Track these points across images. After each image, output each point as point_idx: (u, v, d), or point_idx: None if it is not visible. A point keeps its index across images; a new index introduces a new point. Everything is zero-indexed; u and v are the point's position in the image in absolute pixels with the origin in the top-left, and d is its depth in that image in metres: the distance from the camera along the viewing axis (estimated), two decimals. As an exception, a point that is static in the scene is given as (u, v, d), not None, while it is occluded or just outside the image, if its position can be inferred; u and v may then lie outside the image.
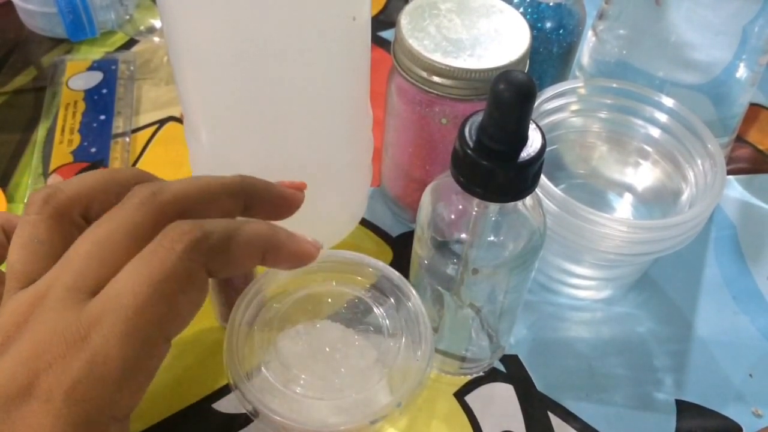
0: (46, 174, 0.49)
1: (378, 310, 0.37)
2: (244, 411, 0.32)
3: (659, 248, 0.38)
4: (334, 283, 0.38)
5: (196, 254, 0.25)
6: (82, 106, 0.54)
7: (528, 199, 0.32)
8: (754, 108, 0.57)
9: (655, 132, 0.43)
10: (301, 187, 0.32)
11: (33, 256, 0.27)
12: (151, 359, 0.25)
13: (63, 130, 0.52)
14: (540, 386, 0.41)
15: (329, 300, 0.37)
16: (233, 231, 0.27)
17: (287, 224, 0.43)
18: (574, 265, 0.43)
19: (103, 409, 0.24)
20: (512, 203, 0.32)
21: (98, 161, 0.50)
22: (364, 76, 0.39)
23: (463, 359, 0.40)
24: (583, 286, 0.44)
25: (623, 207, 0.46)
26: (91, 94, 0.54)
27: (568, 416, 0.39)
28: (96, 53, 0.58)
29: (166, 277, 0.25)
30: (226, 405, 0.39)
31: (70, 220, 0.28)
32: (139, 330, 0.24)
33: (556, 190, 0.37)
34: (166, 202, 0.27)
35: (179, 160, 0.51)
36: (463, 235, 0.33)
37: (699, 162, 0.41)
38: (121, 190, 0.28)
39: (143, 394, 0.26)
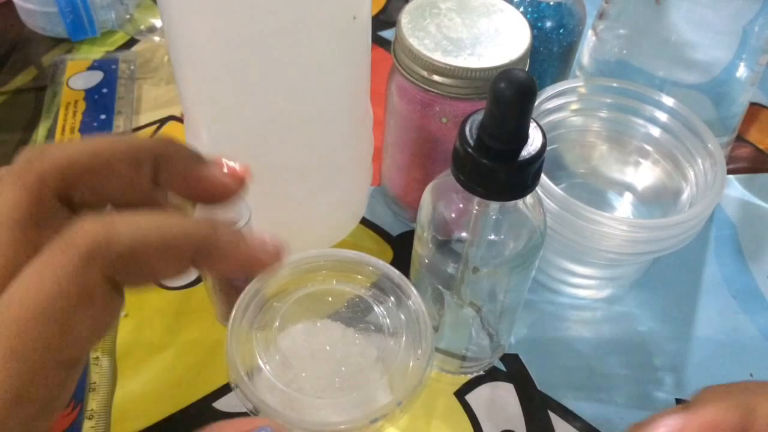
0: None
1: (378, 309, 0.37)
2: (244, 410, 0.32)
3: (659, 248, 0.38)
4: (334, 282, 0.38)
5: (95, 265, 0.20)
6: (82, 105, 0.54)
7: (528, 198, 0.32)
8: (754, 107, 0.58)
9: (656, 131, 0.44)
10: (241, 176, 0.26)
11: None
12: (44, 387, 0.21)
13: (63, 130, 0.52)
14: (540, 385, 0.41)
15: (330, 299, 0.37)
16: (148, 232, 0.22)
17: (284, 223, 0.43)
18: (574, 265, 0.43)
19: None
20: (513, 202, 0.32)
21: (98, 161, 0.50)
22: (364, 76, 0.39)
23: (463, 358, 0.40)
24: (584, 285, 0.44)
25: (623, 206, 0.46)
26: (91, 94, 0.54)
27: (568, 415, 0.39)
28: (96, 53, 0.58)
29: (59, 291, 0.20)
30: (226, 404, 0.39)
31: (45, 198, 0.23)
32: (22, 354, 0.20)
33: (557, 189, 0.37)
34: (44, 171, 0.22)
35: (179, 160, 0.51)
36: (464, 234, 0.33)
37: (699, 161, 0.41)
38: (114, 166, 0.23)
39: (50, 420, 0.22)
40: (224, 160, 0.26)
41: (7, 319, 0.20)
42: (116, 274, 0.21)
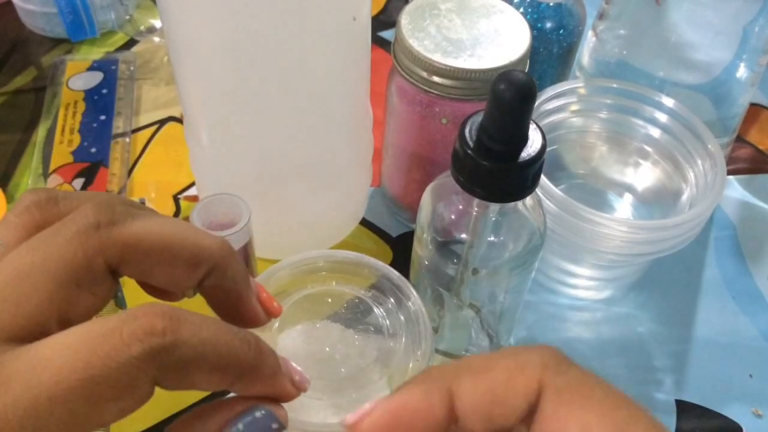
0: (46, 174, 0.49)
1: (378, 310, 0.37)
2: (244, 411, 0.32)
3: (659, 248, 0.38)
4: (334, 284, 0.38)
5: (151, 366, 0.20)
6: (82, 106, 0.54)
7: (528, 200, 0.32)
8: (754, 108, 0.57)
9: (656, 132, 0.43)
10: (274, 313, 0.27)
11: None
12: None
13: (63, 130, 0.52)
14: (540, 386, 0.40)
15: (329, 300, 0.37)
16: (208, 347, 0.21)
17: (284, 223, 0.43)
18: (574, 266, 0.43)
19: None
20: (512, 203, 0.32)
21: (98, 161, 0.50)
22: (364, 76, 0.39)
23: (463, 359, 0.40)
24: (583, 286, 0.44)
25: (623, 207, 0.46)
26: (91, 94, 0.54)
27: (568, 416, 0.39)
28: (96, 53, 0.58)
29: (104, 377, 0.19)
30: (226, 405, 0.39)
31: None
32: (43, 419, 0.19)
33: (557, 191, 0.37)
34: (110, 242, 0.22)
35: (179, 160, 0.51)
36: (464, 236, 0.33)
37: (699, 162, 0.41)
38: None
39: None
40: (262, 290, 0.26)
41: (44, 379, 0.19)
42: (163, 379, 0.21)
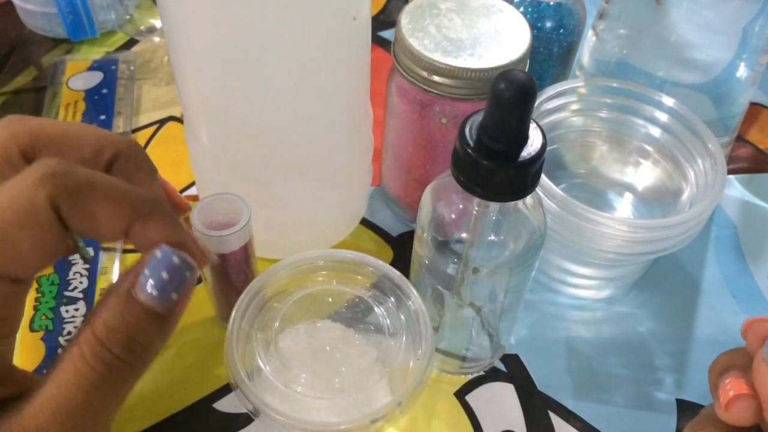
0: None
1: (378, 310, 0.37)
2: (244, 410, 0.32)
3: (659, 248, 0.38)
4: (334, 283, 0.38)
5: (46, 187, 0.23)
6: (82, 106, 0.54)
7: (528, 199, 0.32)
8: (755, 107, 0.57)
9: (656, 131, 0.44)
10: (183, 208, 0.30)
11: None
12: None
13: (63, 130, 0.52)
14: (541, 386, 0.41)
15: (330, 299, 0.37)
16: (102, 180, 0.24)
17: (284, 223, 0.43)
18: (574, 265, 0.43)
19: None
20: (513, 203, 0.32)
21: (98, 161, 0.50)
22: (364, 76, 0.39)
23: (463, 359, 0.40)
24: (584, 285, 0.44)
25: (623, 206, 0.46)
26: (91, 94, 0.54)
27: (568, 416, 0.39)
28: (96, 53, 0.58)
29: (5, 206, 0.23)
30: (226, 404, 0.39)
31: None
32: None
33: (557, 190, 0.37)
34: (19, 131, 0.26)
35: (179, 160, 0.51)
36: (464, 235, 0.33)
37: (699, 161, 0.41)
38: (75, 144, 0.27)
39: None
40: (169, 185, 0.29)
41: None
42: (60, 203, 0.23)
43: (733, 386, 0.27)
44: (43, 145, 0.26)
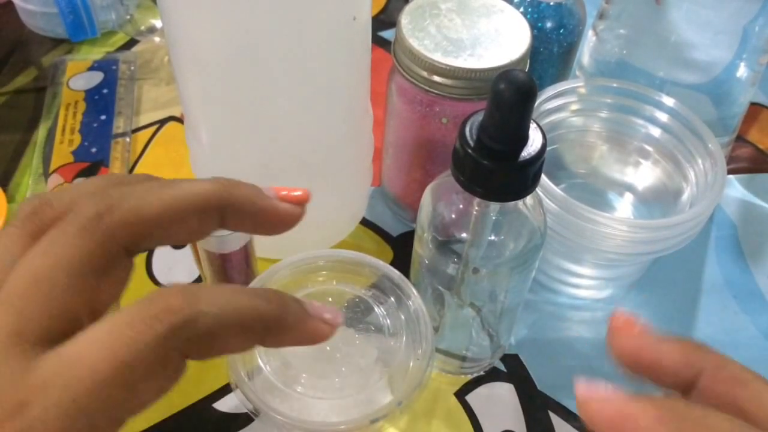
0: (46, 174, 0.49)
1: (378, 310, 0.37)
2: (245, 410, 0.32)
3: (659, 248, 0.38)
4: (334, 283, 0.38)
5: (178, 341, 0.21)
6: (82, 106, 0.54)
7: (528, 199, 0.32)
8: (755, 107, 0.57)
9: (656, 131, 0.44)
10: (302, 200, 0.27)
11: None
12: None
13: (63, 130, 0.52)
14: (541, 386, 0.41)
15: (330, 299, 0.37)
16: (231, 313, 0.22)
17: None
18: (574, 265, 0.43)
19: None
20: (513, 203, 0.32)
21: (99, 161, 0.50)
22: (364, 76, 0.39)
23: (463, 359, 0.40)
24: (584, 285, 0.44)
25: (624, 206, 0.46)
26: (91, 94, 0.55)
27: (568, 416, 0.39)
28: (96, 53, 0.58)
29: (135, 360, 0.20)
30: (226, 404, 0.39)
31: None
32: (85, 412, 0.20)
33: (557, 190, 0.37)
34: (116, 227, 0.22)
35: (179, 160, 0.51)
36: (464, 235, 0.33)
37: (699, 161, 0.41)
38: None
39: None
40: (279, 189, 0.27)
41: (79, 374, 0.20)
42: (192, 352, 0.22)
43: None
44: (144, 235, 0.23)
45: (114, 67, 0.57)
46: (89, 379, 0.20)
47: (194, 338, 0.21)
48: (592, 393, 0.22)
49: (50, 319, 0.21)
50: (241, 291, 0.23)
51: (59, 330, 0.21)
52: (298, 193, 0.27)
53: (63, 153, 0.50)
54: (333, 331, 0.25)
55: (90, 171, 0.49)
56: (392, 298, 0.37)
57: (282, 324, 0.24)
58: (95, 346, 0.21)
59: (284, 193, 0.26)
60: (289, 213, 0.26)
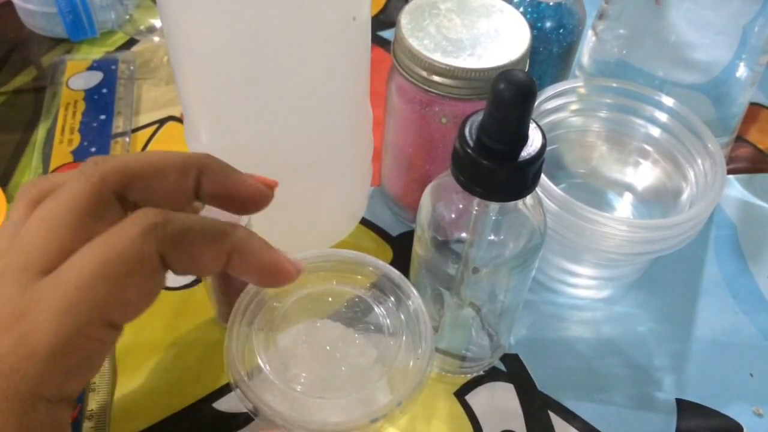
0: (46, 174, 0.49)
1: (378, 309, 0.37)
2: (244, 410, 0.32)
3: (659, 248, 0.38)
4: (334, 282, 0.38)
5: (151, 238, 0.25)
6: (82, 105, 0.54)
7: (528, 199, 0.32)
8: (754, 107, 0.58)
9: (655, 131, 0.44)
10: (271, 185, 0.31)
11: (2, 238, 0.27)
12: (87, 341, 0.24)
13: (63, 130, 0.52)
14: (540, 385, 0.41)
15: (329, 299, 0.37)
16: (197, 224, 0.26)
17: (284, 223, 0.43)
18: (574, 265, 0.43)
19: (31, 385, 0.23)
20: (512, 202, 0.32)
21: (98, 161, 0.50)
22: (364, 76, 0.39)
23: (463, 358, 0.40)
24: (584, 285, 0.44)
25: (623, 206, 0.46)
26: (91, 94, 0.54)
27: (568, 415, 0.39)
28: (96, 53, 0.58)
29: (115, 257, 0.24)
30: (226, 404, 0.39)
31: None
32: (75, 307, 0.23)
33: (557, 190, 0.37)
34: (107, 171, 0.26)
35: (179, 160, 0.51)
36: (464, 235, 0.33)
37: (699, 161, 0.41)
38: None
39: (82, 381, 0.25)
40: (253, 174, 0.30)
41: (68, 278, 0.24)
42: (166, 252, 0.25)
43: None
44: (131, 180, 0.27)
45: (113, 67, 0.57)
46: (76, 278, 0.24)
47: (167, 237, 0.25)
48: None
49: (50, 252, 0.25)
50: (211, 218, 0.27)
51: (58, 261, 0.24)
52: (269, 179, 0.31)
53: (62, 153, 0.50)
54: (296, 274, 0.29)
55: (89, 171, 0.49)
56: (392, 298, 0.37)
57: (246, 247, 0.28)
58: (82, 255, 0.24)
59: (257, 175, 0.30)
60: (258, 189, 0.30)
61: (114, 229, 0.25)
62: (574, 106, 0.44)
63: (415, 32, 0.38)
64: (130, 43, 0.60)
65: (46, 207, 0.26)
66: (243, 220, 0.35)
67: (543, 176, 0.36)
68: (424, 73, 0.38)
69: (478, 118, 0.29)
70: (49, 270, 0.24)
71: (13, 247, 0.25)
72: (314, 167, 0.40)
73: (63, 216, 0.25)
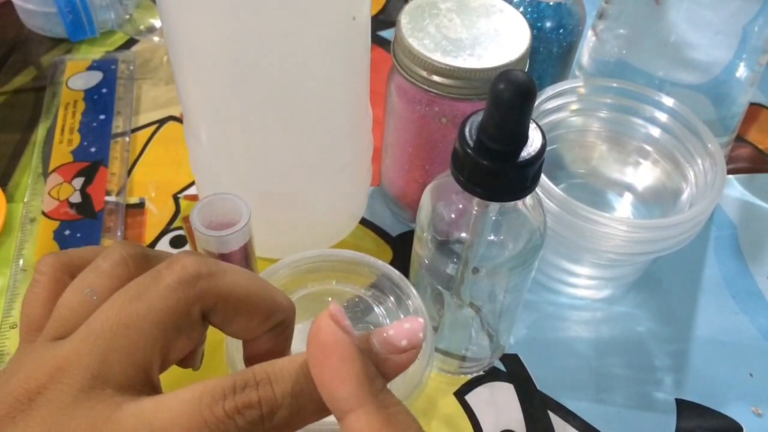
0: (45, 173, 0.49)
1: (378, 309, 0.37)
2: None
3: (659, 248, 0.38)
4: (334, 282, 0.38)
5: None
6: (81, 105, 0.54)
7: (528, 199, 0.32)
8: (754, 107, 0.58)
9: (655, 131, 0.44)
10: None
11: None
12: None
13: (63, 130, 0.52)
14: (540, 386, 0.41)
15: (329, 299, 0.37)
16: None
17: (284, 223, 0.43)
18: (574, 265, 0.43)
19: None
20: (512, 203, 0.32)
21: (98, 161, 0.50)
22: (364, 76, 0.39)
23: (463, 358, 0.40)
24: (583, 285, 0.44)
25: (623, 206, 0.46)
26: (90, 94, 0.54)
27: (568, 415, 0.39)
28: (96, 53, 0.58)
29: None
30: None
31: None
32: (130, 353, 0.22)
33: (557, 190, 0.37)
34: (208, 291, 0.24)
35: (179, 160, 0.51)
36: (463, 235, 0.33)
37: (699, 161, 0.41)
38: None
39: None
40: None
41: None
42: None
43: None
44: (225, 309, 0.25)
45: (113, 67, 0.57)
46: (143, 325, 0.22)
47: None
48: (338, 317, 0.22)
49: (131, 367, 0.22)
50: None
51: (137, 380, 0.22)
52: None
53: (62, 152, 0.50)
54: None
55: (89, 170, 0.49)
56: (392, 298, 0.37)
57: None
58: (174, 416, 0.21)
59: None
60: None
61: (209, 398, 0.23)
62: (574, 106, 0.44)
63: (415, 32, 0.38)
64: (130, 42, 0.60)
65: (130, 309, 0.22)
66: (243, 218, 0.35)
67: (543, 176, 0.36)
68: (424, 73, 0.38)
69: (478, 118, 0.29)
70: (127, 387, 0.22)
71: (85, 343, 0.22)
72: (314, 167, 0.40)
73: (149, 328, 0.22)
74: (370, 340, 0.22)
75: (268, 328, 0.26)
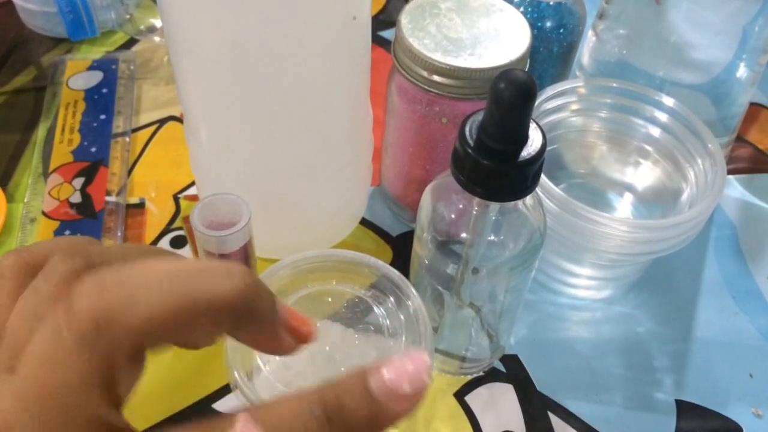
0: (46, 173, 0.49)
1: (378, 310, 0.37)
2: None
3: (659, 248, 0.38)
4: (334, 283, 0.38)
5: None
6: (82, 105, 0.54)
7: (528, 199, 0.32)
8: (754, 107, 0.57)
9: (656, 131, 0.43)
10: (306, 339, 0.24)
11: None
12: None
13: (63, 130, 0.52)
14: (540, 386, 0.41)
15: (329, 299, 0.37)
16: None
17: (284, 223, 0.43)
18: (574, 265, 0.43)
19: None
20: (512, 203, 0.32)
21: (98, 161, 0.50)
22: (364, 76, 0.39)
23: (463, 359, 0.40)
24: (583, 285, 0.44)
25: (623, 206, 0.46)
26: (91, 94, 0.54)
27: (568, 416, 0.39)
28: (96, 53, 0.58)
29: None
30: (226, 405, 0.39)
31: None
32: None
33: (557, 190, 0.37)
34: (120, 341, 0.19)
35: (179, 160, 0.51)
36: (464, 235, 0.33)
37: (699, 161, 0.41)
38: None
39: None
40: (292, 316, 0.24)
41: None
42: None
43: None
44: (153, 341, 0.20)
45: (114, 67, 0.57)
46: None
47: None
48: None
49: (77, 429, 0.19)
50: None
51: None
52: (306, 329, 0.24)
53: (62, 152, 0.50)
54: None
55: (90, 170, 0.49)
56: (392, 299, 0.37)
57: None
58: None
59: (295, 324, 0.24)
60: (285, 346, 0.24)
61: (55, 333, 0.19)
62: (574, 106, 0.44)
63: (416, 32, 0.38)
64: (131, 42, 0.60)
65: (48, 381, 0.19)
66: (243, 218, 0.35)
67: (543, 176, 0.36)
68: (425, 73, 0.38)
69: (478, 118, 0.29)
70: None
71: (24, 413, 0.19)
72: (314, 167, 0.39)
73: (74, 398, 0.19)
74: (368, 383, 0.19)
75: (221, 332, 0.22)
